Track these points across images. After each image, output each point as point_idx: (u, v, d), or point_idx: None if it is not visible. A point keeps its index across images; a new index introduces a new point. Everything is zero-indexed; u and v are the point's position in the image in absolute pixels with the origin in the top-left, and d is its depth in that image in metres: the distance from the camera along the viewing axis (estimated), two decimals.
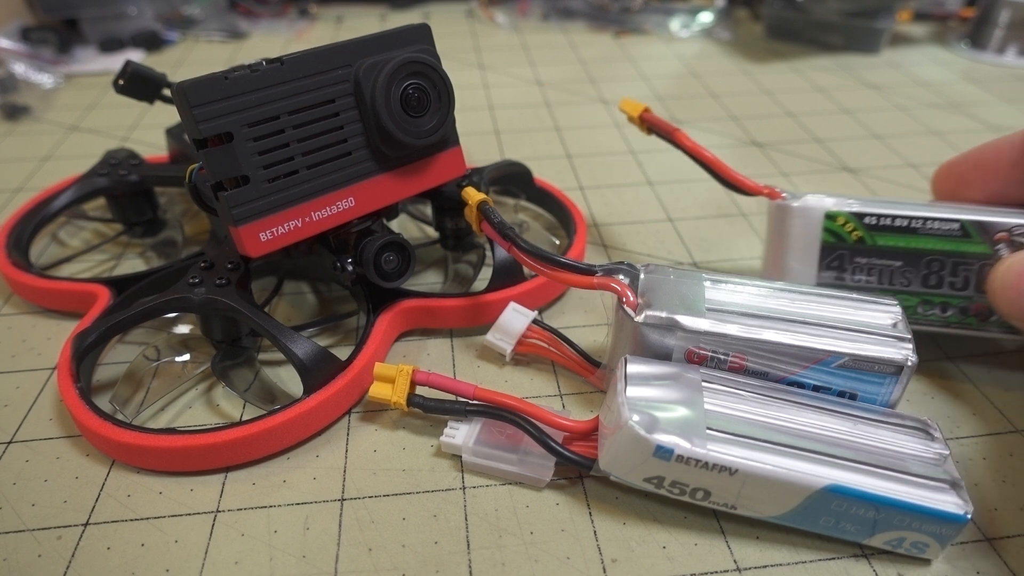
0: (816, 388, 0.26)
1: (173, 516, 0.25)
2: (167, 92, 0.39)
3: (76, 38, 0.67)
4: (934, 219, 0.26)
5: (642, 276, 0.27)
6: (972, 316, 0.26)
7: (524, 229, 0.39)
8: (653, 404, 0.23)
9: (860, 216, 0.27)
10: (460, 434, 0.26)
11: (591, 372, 0.29)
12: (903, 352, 0.25)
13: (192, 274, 0.29)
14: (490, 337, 0.30)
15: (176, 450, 0.25)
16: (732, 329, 0.25)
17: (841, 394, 0.25)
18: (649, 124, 0.33)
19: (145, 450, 0.25)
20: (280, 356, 0.31)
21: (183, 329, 0.32)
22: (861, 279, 0.27)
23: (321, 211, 0.28)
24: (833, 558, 0.23)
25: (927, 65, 0.63)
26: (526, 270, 0.33)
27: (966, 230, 0.26)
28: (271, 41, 0.70)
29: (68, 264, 0.37)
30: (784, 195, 0.29)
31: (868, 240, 0.26)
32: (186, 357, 0.30)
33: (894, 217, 0.26)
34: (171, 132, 0.41)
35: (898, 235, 0.26)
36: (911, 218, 0.26)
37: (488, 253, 0.36)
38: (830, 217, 0.27)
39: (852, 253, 0.27)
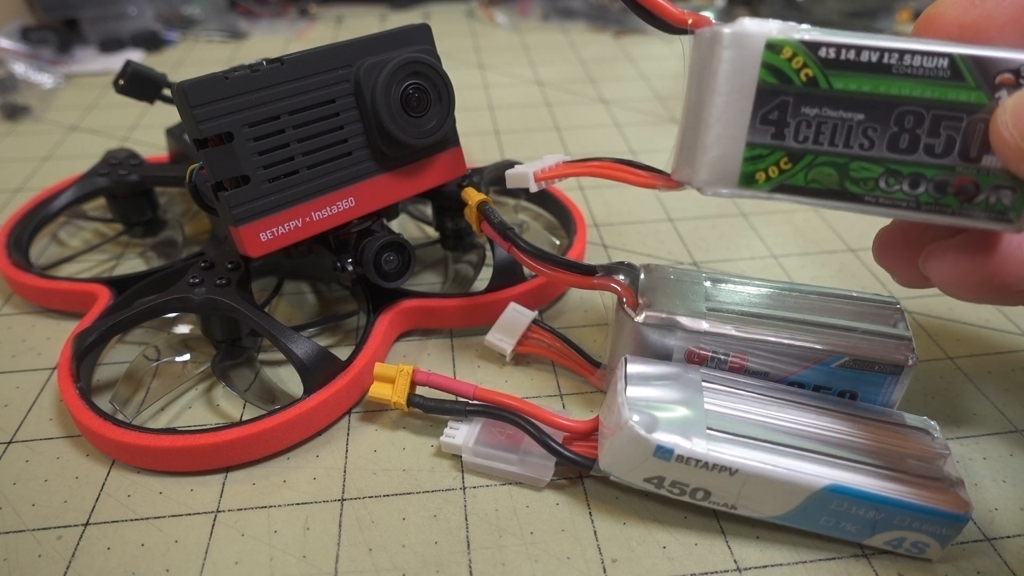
0: (816, 388, 0.26)
1: (173, 516, 0.24)
2: (167, 92, 0.39)
3: (76, 38, 0.67)
4: (915, 53, 0.19)
5: (642, 276, 0.27)
6: (952, 195, 0.19)
7: (524, 229, 0.39)
8: (653, 404, 0.23)
9: (814, 47, 0.19)
10: (460, 434, 0.26)
11: (591, 372, 0.29)
12: (903, 352, 0.25)
13: (192, 274, 0.29)
14: (490, 337, 0.30)
15: (176, 450, 0.25)
16: (732, 329, 0.25)
17: (841, 394, 0.26)
18: None
19: (145, 450, 0.25)
20: (280, 356, 0.31)
21: (183, 329, 0.32)
22: (807, 138, 0.20)
23: (321, 211, 0.28)
24: (833, 558, 0.23)
25: None
26: (526, 270, 0.33)
27: (958, 69, 0.19)
28: (271, 41, 0.70)
29: (68, 264, 0.37)
30: (713, 23, 0.21)
31: (822, 81, 0.19)
32: (186, 357, 0.30)
33: (860, 49, 0.19)
34: (171, 132, 0.41)
35: (864, 75, 0.19)
36: (884, 51, 0.19)
37: (488, 253, 0.36)
38: (773, 48, 0.19)
39: (799, 100, 0.19)
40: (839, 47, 0.19)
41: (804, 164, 0.20)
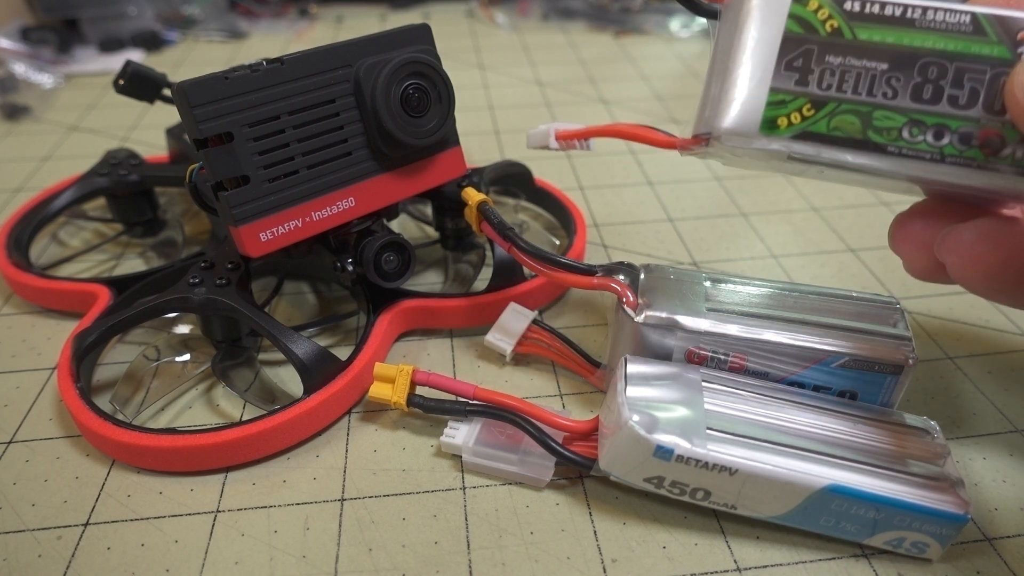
0: (816, 388, 0.26)
1: (173, 516, 0.24)
2: (167, 92, 0.39)
3: (76, 38, 0.67)
4: (937, 9, 0.19)
5: (642, 276, 0.27)
6: (977, 147, 0.19)
7: (524, 229, 0.39)
8: (653, 404, 0.23)
9: (839, 0, 0.20)
10: (460, 434, 0.26)
11: (591, 372, 0.29)
12: (903, 352, 0.25)
13: (192, 274, 0.29)
14: (490, 337, 0.30)
15: (176, 450, 0.25)
16: (732, 329, 0.25)
17: (841, 394, 0.25)
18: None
19: (145, 450, 0.25)
20: (280, 356, 0.31)
21: (183, 329, 0.32)
22: (831, 85, 0.20)
23: (321, 211, 0.28)
24: (833, 558, 0.23)
25: None
26: (526, 270, 0.33)
27: (980, 25, 0.19)
28: (271, 41, 0.70)
29: (68, 264, 0.37)
30: None
31: (847, 32, 0.20)
32: (186, 357, 0.30)
33: (884, 4, 0.20)
34: (171, 132, 0.41)
35: (887, 27, 0.20)
36: (907, 6, 0.20)
37: (488, 253, 0.36)
38: (800, 0, 0.20)
39: (823, 49, 0.20)
40: (864, 1, 0.20)
41: (827, 111, 0.20)
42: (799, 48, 0.20)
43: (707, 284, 0.27)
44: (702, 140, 0.22)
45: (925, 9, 0.19)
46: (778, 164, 0.22)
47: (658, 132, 0.24)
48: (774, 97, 0.20)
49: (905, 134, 0.20)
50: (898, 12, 0.20)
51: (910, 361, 0.24)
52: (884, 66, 0.20)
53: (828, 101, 0.20)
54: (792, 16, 0.20)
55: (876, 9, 0.20)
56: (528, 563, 0.23)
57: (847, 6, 0.20)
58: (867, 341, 0.25)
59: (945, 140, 0.20)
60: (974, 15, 0.19)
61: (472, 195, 0.30)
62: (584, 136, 0.27)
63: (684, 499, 0.23)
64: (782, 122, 0.20)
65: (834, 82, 0.20)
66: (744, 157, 0.22)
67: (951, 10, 0.19)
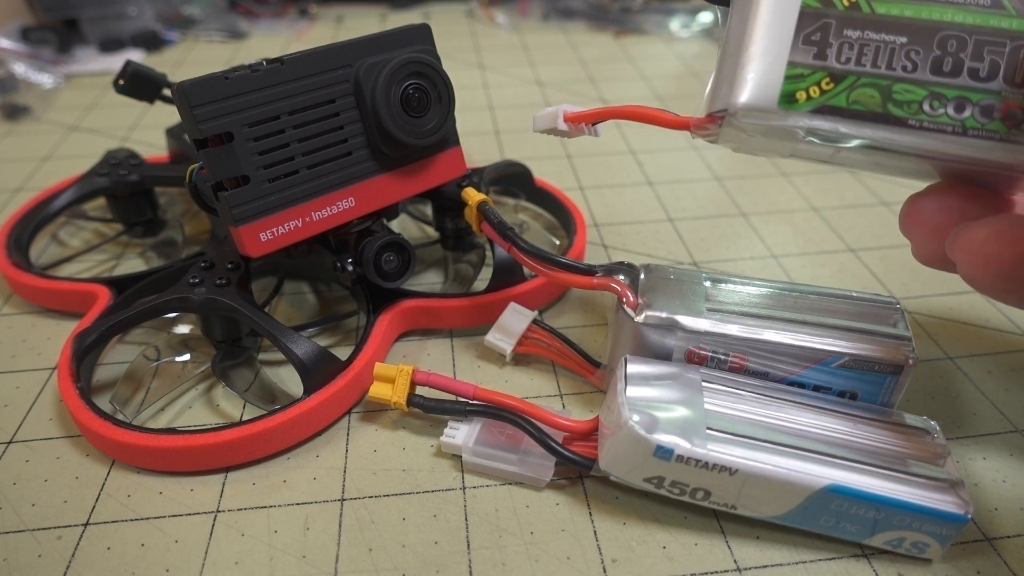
0: (816, 388, 0.26)
1: (173, 516, 0.24)
2: (167, 92, 0.39)
3: (76, 38, 0.67)
4: None
5: (642, 276, 0.27)
6: (999, 119, 0.19)
7: (524, 229, 0.39)
8: (653, 404, 0.23)
9: None
10: (460, 434, 0.26)
11: (591, 372, 0.29)
12: (903, 352, 0.25)
13: (192, 274, 0.29)
14: (490, 337, 0.30)
15: (176, 450, 0.25)
16: (732, 329, 0.25)
17: (841, 394, 0.26)
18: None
19: (145, 450, 0.25)
20: (280, 356, 0.31)
21: (183, 329, 0.32)
22: (849, 59, 0.20)
23: (321, 211, 0.28)
24: (833, 558, 0.23)
25: None
26: (526, 270, 0.33)
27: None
28: (271, 41, 0.70)
29: (68, 264, 0.37)
30: None
31: (864, 6, 0.20)
32: (186, 357, 0.30)
33: None
34: (171, 132, 0.41)
35: (905, 1, 0.20)
36: None
37: (488, 253, 0.36)
38: None
39: (841, 23, 0.20)
40: None
41: (846, 85, 0.20)
42: (817, 22, 0.20)
43: (707, 284, 0.27)
44: (716, 118, 0.21)
45: None
46: (791, 146, 0.21)
47: (669, 113, 0.24)
48: (792, 71, 0.20)
49: (926, 107, 0.20)
50: None
51: (910, 361, 0.24)
52: (903, 39, 0.20)
53: (847, 75, 0.20)
54: None
55: None
56: (528, 563, 0.23)
57: None
58: (867, 341, 0.25)
59: (966, 113, 0.20)
60: None
61: (472, 195, 0.30)
62: (593, 118, 0.26)
63: (684, 499, 0.23)
64: (800, 96, 0.20)
65: (853, 56, 0.20)
66: (757, 137, 0.21)
67: None
